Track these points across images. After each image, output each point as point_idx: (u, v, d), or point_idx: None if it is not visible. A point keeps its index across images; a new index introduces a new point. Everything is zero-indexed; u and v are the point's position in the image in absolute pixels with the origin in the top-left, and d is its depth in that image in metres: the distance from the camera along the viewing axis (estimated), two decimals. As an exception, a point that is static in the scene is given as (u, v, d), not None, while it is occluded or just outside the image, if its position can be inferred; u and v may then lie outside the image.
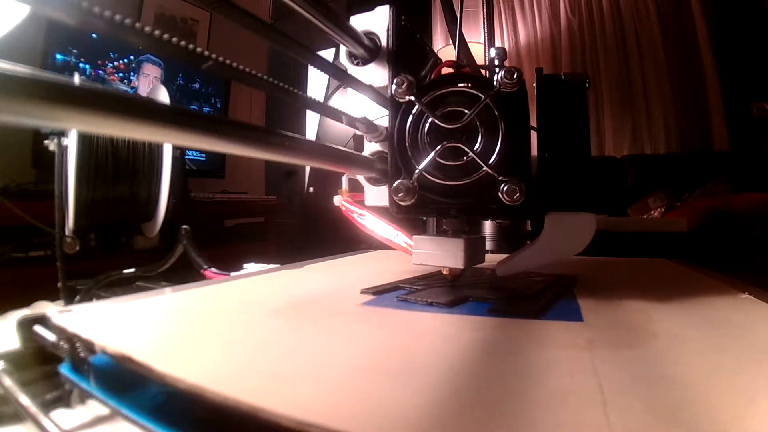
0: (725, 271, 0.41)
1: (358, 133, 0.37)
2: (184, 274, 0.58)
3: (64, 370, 0.23)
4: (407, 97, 0.30)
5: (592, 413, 0.14)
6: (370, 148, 0.38)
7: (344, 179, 0.43)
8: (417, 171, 0.30)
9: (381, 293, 0.33)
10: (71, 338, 0.22)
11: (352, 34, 0.33)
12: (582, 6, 2.09)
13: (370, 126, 0.34)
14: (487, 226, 0.63)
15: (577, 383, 0.17)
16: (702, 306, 0.29)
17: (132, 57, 1.49)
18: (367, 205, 0.40)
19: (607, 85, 2.04)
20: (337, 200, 0.44)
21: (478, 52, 0.59)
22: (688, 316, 0.27)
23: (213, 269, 0.54)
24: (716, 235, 1.20)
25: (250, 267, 0.51)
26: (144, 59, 1.52)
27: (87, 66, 1.34)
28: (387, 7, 0.36)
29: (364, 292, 0.34)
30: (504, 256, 0.36)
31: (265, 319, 0.27)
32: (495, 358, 0.20)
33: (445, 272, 0.35)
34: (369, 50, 0.36)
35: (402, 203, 0.30)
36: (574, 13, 2.11)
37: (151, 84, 1.53)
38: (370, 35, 0.36)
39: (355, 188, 0.43)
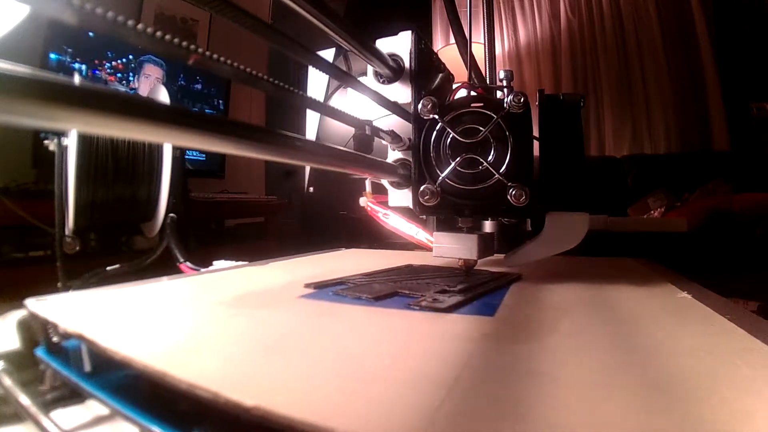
0: (723, 271, 0.41)
1: (384, 141, 0.41)
2: (173, 268, 0.58)
3: (40, 352, 0.25)
4: (431, 116, 0.36)
5: (431, 397, 0.15)
6: (393, 155, 0.43)
7: (367, 182, 0.48)
8: (440, 177, 0.36)
9: (323, 287, 0.35)
10: (44, 323, 0.25)
11: (378, 56, 0.38)
12: (582, 6, 2.09)
13: (395, 137, 0.40)
14: (487, 226, 0.64)
15: (436, 371, 0.18)
16: (626, 305, 0.30)
17: (131, 56, 1.45)
18: (391, 205, 0.44)
19: (607, 85, 2.04)
20: (363, 201, 0.50)
21: (479, 53, 0.60)
22: (604, 315, 0.27)
23: (188, 263, 0.56)
24: (716, 235, 1.21)
25: (219, 264, 0.54)
26: (145, 59, 1.49)
27: (83, 66, 1.30)
28: (409, 32, 0.41)
29: (306, 286, 0.36)
30: (503, 256, 0.40)
31: (208, 309, 0.30)
32: (379, 345, 0.22)
33: (459, 263, 0.40)
34: (393, 70, 0.40)
35: (427, 204, 0.36)
36: (574, 13, 2.11)
37: (153, 85, 1.50)
38: (394, 57, 0.41)
39: (376, 190, 0.48)
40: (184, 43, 0.18)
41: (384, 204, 0.46)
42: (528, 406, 0.14)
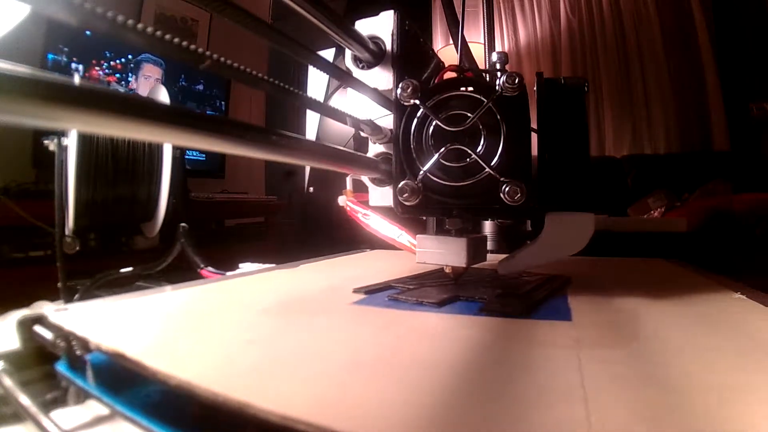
0: (724, 271, 0.41)
1: (363, 135, 0.37)
2: (183, 272, 0.58)
3: (61, 368, 0.23)
4: (412, 101, 0.31)
5: (574, 410, 0.14)
6: (375, 149, 0.38)
7: (348, 180, 0.44)
8: (421, 172, 0.31)
9: (372, 292, 0.34)
10: (67, 336, 0.23)
11: (357, 38, 0.34)
12: (582, 6, 2.09)
13: (374, 128, 0.35)
14: (487, 225, 0.63)
15: (560, 381, 0.17)
16: (692, 306, 0.29)
17: (130, 56, 1.43)
18: (372, 205, 0.40)
19: (607, 85, 2.03)
20: (342, 200, 0.45)
21: (479, 53, 0.59)
22: (677, 316, 0.27)
23: (210, 268, 0.54)
24: (716, 235, 1.20)
25: (245, 267, 0.52)
26: (144, 59, 1.47)
27: (80, 66, 1.27)
28: (392, 12, 0.36)
29: (356, 291, 0.34)
30: (503, 255, 0.37)
31: (256, 317, 0.27)
32: (480, 357, 0.20)
33: (447, 270, 0.35)
34: (374, 54, 0.36)
35: (407, 203, 0.32)
36: (574, 13, 2.11)
37: (153, 86, 1.49)
38: (375, 39, 0.37)
39: (359, 189, 0.43)
40: (184, 44, 0.18)
41: (365, 203, 0.42)
42: (670, 413, 0.14)
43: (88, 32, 1.26)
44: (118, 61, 1.40)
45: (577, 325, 0.25)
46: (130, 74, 1.45)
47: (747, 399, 0.15)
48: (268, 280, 0.42)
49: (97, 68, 1.34)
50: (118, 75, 1.41)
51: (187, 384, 0.16)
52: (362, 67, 0.37)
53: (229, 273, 0.49)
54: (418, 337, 0.23)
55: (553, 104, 0.34)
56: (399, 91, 0.32)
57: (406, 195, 0.31)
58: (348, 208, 0.45)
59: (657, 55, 1.94)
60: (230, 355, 0.20)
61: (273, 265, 0.50)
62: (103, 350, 0.20)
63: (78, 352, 0.22)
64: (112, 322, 0.26)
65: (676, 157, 1.84)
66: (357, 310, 0.29)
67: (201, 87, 1.70)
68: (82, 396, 0.23)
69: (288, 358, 0.20)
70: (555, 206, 0.33)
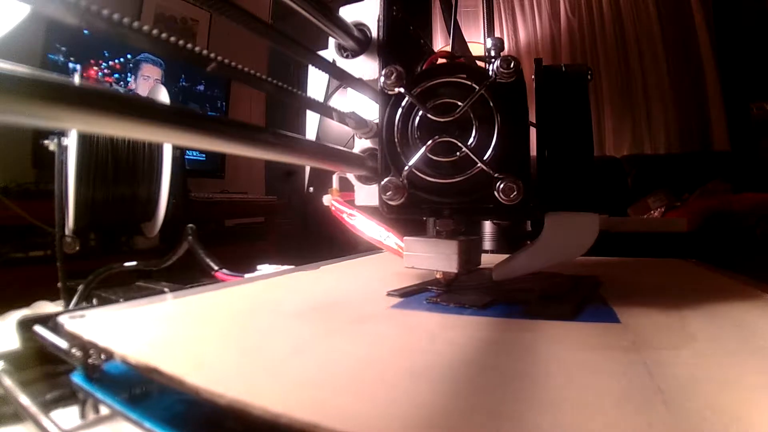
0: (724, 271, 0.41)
1: (347, 128, 0.35)
2: (185, 273, 0.58)
3: (77, 379, 0.21)
4: (396, 89, 0.28)
5: (655, 414, 0.14)
6: (361, 144, 0.36)
7: (335, 178, 0.42)
8: (406, 168, 0.28)
9: (408, 295, 0.32)
10: (85, 346, 0.21)
11: (341, 26, 0.31)
12: (582, 6, 2.09)
13: (359, 121, 0.32)
14: (487, 225, 0.63)
15: (633, 385, 0.16)
16: (730, 308, 0.29)
17: (129, 56, 1.41)
18: (357, 204, 0.38)
19: (607, 84, 2.04)
20: (327, 200, 0.43)
21: (479, 53, 0.59)
22: (720, 318, 0.26)
23: (225, 271, 0.51)
24: (716, 235, 1.20)
25: (264, 268, 0.49)
26: (143, 59, 1.45)
27: (77, 66, 1.24)
28: None
29: (390, 294, 0.32)
30: (503, 256, 0.34)
31: (290, 323, 0.25)
32: (537, 361, 0.19)
33: (438, 276, 0.33)
34: (359, 42, 0.34)
35: (391, 202, 0.29)
36: (574, 13, 2.11)
37: (152, 86, 1.48)
38: (361, 26, 0.34)
39: (346, 187, 0.41)
40: (205, 52, 0.18)
41: (351, 203, 0.39)
42: (749, 414, 0.14)
43: (86, 31, 1.22)
44: (116, 61, 1.38)
45: (627, 328, 0.24)
46: (129, 74, 1.43)
47: None
48: (291, 282, 0.40)
49: (95, 68, 1.32)
50: (116, 75, 1.38)
51: (242, 404, 0.15)
52: (346, 56, 0.35)
53: (247, 275, 0.47)
54: (470, 341, 0.22)
55: (554, 93, 0.30)
56: (382, 78, 0.29)
57: (390, 193, 0.28)
58: (333, 208, 0.42)
59: (657, 55, 1.94)
60: (276, 368, 0.18)
61: (292, 267, 0.48)
62: (133, 364, 0.19)
63: (91, 361, 0.21)
64: (134, 331, 0.24)
65: (676, 157, 1.84)
66: (398, 314, 0.28)
67: (202, 87, 1.70)
68: (98, 406, 0.22)
69: (341, 370, 0.18)
70: (556, 206, 0.30)
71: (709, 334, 0.23)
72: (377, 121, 0.32)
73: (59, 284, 0.58)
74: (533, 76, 0.31)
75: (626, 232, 0.41)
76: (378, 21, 0.33)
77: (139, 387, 0.20)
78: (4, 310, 0.30)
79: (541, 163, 0.30)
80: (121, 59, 1.40)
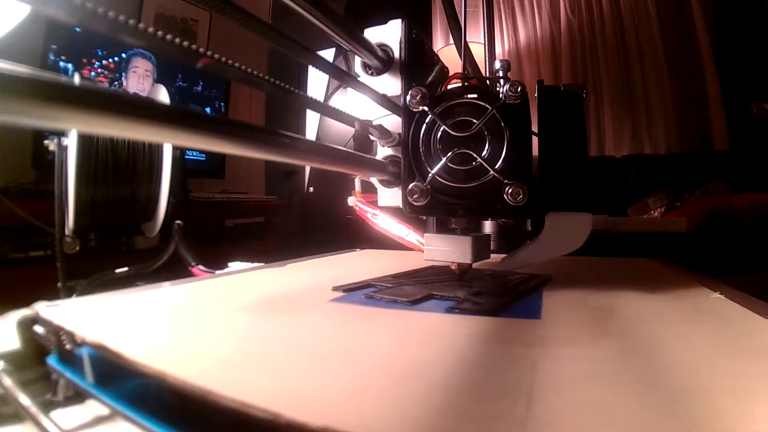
0: (724, 271, 0.41)
1: (372, 138, 0.38)
2: (182, 271, 0.58)
3: (52, 361, 0.24)
4: (421, 108, 0.33)
5: (513, 407, 0.14)
6: (383, 152, 0.40)
7: (357, 181, 0.46)
8: (430, 174, 0.33)
9: (351, 291, 0.34)
10: (57, 331, 0.24)
11: (366, 46, 0.35)
12: (582, 6, 2.09)
13: (383, 132, 0.37)
14: (487, 226, 0.63)
15: (506, 379, 0.17)
16: (665, 305, 0.30)
17: (123, 55, 1.37)
18: (380, 205, 0.42)
19: (607, 84, 2.03)
20: (351, 201, 0.47)
21: (479, 53, 0.59)
22: (648, 317, 0.27)
23: (200, 267, 0.55)
24: (716, 235, 1.20)
25: (234, 265, 0.52)
26: (133, 53, 1.40)
27: (70, 65, 1.21)
28: (399, 21, 0.38)
29: (335, 289, 0.35)
30: (503, 255, 0.38)
31: (235, 313, 0.28)
32: (436, 353, 0.21)
33: (453, 267, 0.37)
34: (382, 61, 0.38)
35: (416, 204, 0.34)
36: (574, 13, 2.11)
37: (142, 80, 1.42)
38: (383, 47, 0.38)
39: (366, 189, 0.45)
40: (185, 43, 0.18)
41: (374, 204, 0.44)
42: (617, 411, 0.14)
43: (78, 29, 1.20)
44: (110, 60, 1.34)
45: (545, 323, 0.25)
46: (122, 74, 1.38)
47: (714, 396, 0.15)
48: (254, 279, 0.43)
49: (88, 68, 1.28)
50: (110, 75, 1.35)
51: (161, 374, 0.17)
52: (371, 74, 0.39)
53: (218, 272, 0.50)
54: (383, 333, 0.24)
55: (553, 110, 0.36)
56: (408, 98, 0.34)
57: (416, 196, 0.33)
58: (357, 208, 0.46)
59: (657, 55, 1.94)
60: (203, 348, 0.21)
61: (261, 264, 0.50)
62: (88, 342, 0.22)
63: (68, 347, 0.23)
64: (99, 317, 0.27)
65: (676, 157, 1.84)
66: (332, 307, 0.30)
67: (200, 88, 1.70)
68: (71, 389, 0.24)
69: (255, 351, 0.21)
70: (555, 206, 0.35)
71: (626, 332, 0.23)
72: (396, 130, 0.37)
73: (59, 284, 0.58)
74: (536, 94, 0.36)
75: (626, 232, 0.42)
76: (400, 43, 0.38)
77: (108, 370, 0.21)
78: (4, 310, 0.30)
79: (543, 169, 0.35)
80: (116, 58, 1.36)
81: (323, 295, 0.33)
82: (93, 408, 0.24)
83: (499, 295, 0.32)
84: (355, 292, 0.34)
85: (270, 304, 0.31)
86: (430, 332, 0.24)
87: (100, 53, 1.32)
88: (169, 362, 0.18)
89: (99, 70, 1.32)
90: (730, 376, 0.17)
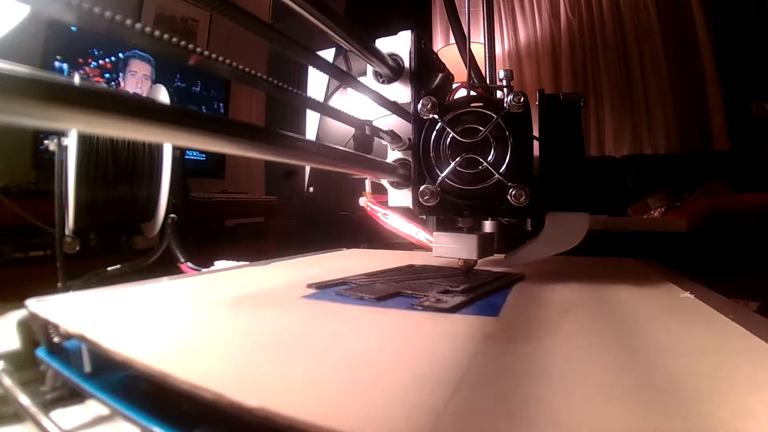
0: (724, 271, 0.41)
1: (384, 141, 0.40)
2: (172, 269, 0.58)
3: (40, 353, 0.25)
4: (431, 116, 0.36)
5: (435, 397, 0.15)
6: (393, 155, 0.43)
7: (367, 182, 0.48)
8: (440, 177, 0.36)
9: (325, 288, 0.35)
10: (44, 323, 0.25)
11: (377, 56, 0.37)
12: (582, 6, 2.09)
13: (394, 137, 0.40)
14: (487, 225, 0.64)
15: (440, 371, 0.18)
16: (629, 305, 0.30)
17: (121, 55, 1.33)
18: (390, 205, 0.44)
19: (607, 85, 2.03)
20: (363, 201, 0.49)
21: (479, 53, 0.60)
22: (607, 315, 0.27)
23: (189, 264, 0.56)
24: (716, 235, 1.20)
25: (220, 264, 0.54)
26: (131, 55, 1.37)
27: (65, 64, 1.18)
28: (409, 32, 0.40)
29: (309, 286, 0.36)
30: (503, 255, 0.40)
31: (208, 309, 0.30)
32: (382, 346, 0.22)
33: (459, 263, 0.39)
34: (393, 70, 0.40)
35: (427, 204, 0.36)
36: (574, 13, 2.11)
37: (140, 83, 1.40)
38: (394, 57, 0.41)
39: (374, 190, 0.48)
40: (183, 43, 0.18)
41: (384, 204, 0.46)
42: (533, 406, 0.14)
43: (73, 27, 1.16)
44: (107, 60, 1.31)
45: (499, 321, 0.26)
46: (120, 74, 1.35)
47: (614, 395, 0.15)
48: (237, 277, 0.44)
49: (83, 68, 1.24)
50: (107, 75, 1.31)
51: (128, 359, 0.19)
52: (383, 82, 0.41)
53: (204, 270, 0.51)
54: (342, 327, 0.25)
55: (553, 117, 0.39)
56: (419, 106, 0.36)
57: (426, 197, 0.36)
58: (368, 209, 0.49)
59: (657, 55, 1.94)
60: (170, 338, 0.23)
61: (246, 262, 0.51)
62: (70, 334, 0.23)
63: (56, 339, 0.25)
64: (82, 311, 0.28)
65: (676, 157, 1.84)
66: (302, 303, 0.31)
67: (198, 89, 1.69)
68: (59, 380, 0.24)
69: (216, 341, 0.23)
70: (554, 206, 0.38)
71: (577, 331, 0.24)
72: (408, 136, 0.40)
73: (59, 284, 0.58)
74: (537, 102, 0.38)
75: (626, 232, 0.42)
76: (410, 54, 0.41)
77: (95, 362, 0.23)
78: (4, 310, 0.30)
79: (543, 172, 0.38)
80: (112, 58, 1.33)
81: (297, 292, 0.34)
82: (93, 408, 0.24)
83: (466, 293, 0.33)
84: (327, 289, 0.35)
85: (245, 300, 0.32)
86: (387, 328, 0.25)
87: (96, 53, 1.29)
88: (139, 350, 0.20)
89: (95, 70, 1.29)
90: (686, 374, 0.17)
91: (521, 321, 0.26)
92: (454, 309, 0.28)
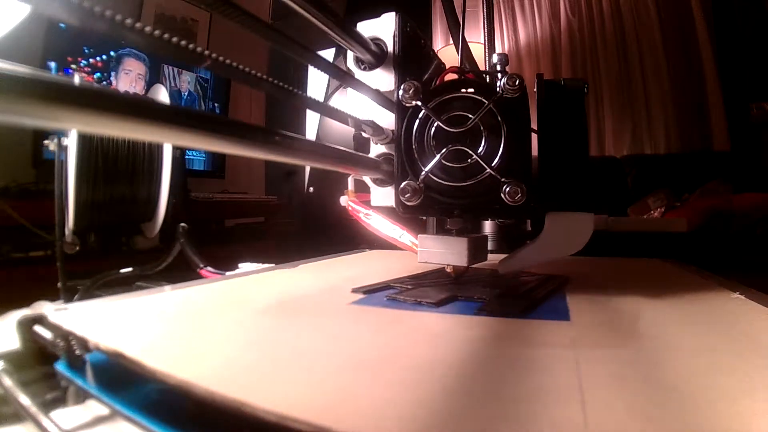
0: (724, 271, 0.41)
1: (365, 135, 0.37)
2: (183, 272, 0.58)
3: (61, 367, 0.23)
4: (414, 102, 0.32)
5: (571, 411, 0.14)
6: (376, 150, 0.39)
7: (350, 180, 0.44)
8: (423, 173, 0.31)
9: (371, 292, 0.34)
10: (67, 336, 0.23)
11: (359, 40, 0.34)
12: (582, 6, 2.09)
13: (376, 129, 0.35)
14: (487, 225, 0.63)
15: (557, 381, 0.17)
16: (690, 306, 0.29)
17: (113, 53, 1.28)
18: (373, 205, 0.40)
19: (607, 85, 2.03)
20: (344, 200, 0.45)
21: (479, 53, 0.59)
22: (676, 316, 0.27)
23: (209, 268, 0.54)
24: (716, 235, 1.20)
25: (244, 266, 0.51)
26: (125, 53, 1.33)
27: (53, 63, 1.14)
28: (393, 14, 0.36)
29: (354, 291, 0.34)
30: (503, 255, 0.37)
31: (255, 317, 0.27)
32: (477, 357, 0.20)
33: (448, 270, 0.36)
34: (375, 56, 0.36)
35: (409, 203, 0.32)
36: (574, 13, 2.11)
37: (134, 82, 1.36)
38: (377, 41, 0.37)
39: (360, 189, 0.44)
40: (183, 43, 0.18)
41: (367, 203, 0.43)
42: (669, 413, 0.14)
43: (62, 25, 1.09)
44: (98, 59, 1.26)
45: (575, 325, 0.25)
46: (112, 73, 1.30)
47: (744, 399, 0.15)
48: (267, 280, 0.42)
49: (73, 66, 1.19)
50: (98, 74, 1.26)
51: (186, 384, 0.16)
52: (364, 69, 0.37)
53: (228, 273, 0.49)
54: (417, 337, 0.23)
55: (554, 105, 0.34)
56: (401, 92, 0.32)
57: (408, 195, 0.32)
58: (350, 208, 0.45)
59: (657, 55, 1.94)
60: (228, 355, 0.20)
61: (272, 265, 0.50)
62: (102, 350, 0.21)
63: (77, 352, 0.22)
64: (112, 321, 0.26)
65: (676, 157, 1.84)
66: (356, 310, 0.29)
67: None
68: (82, 396, 0.23)
69: (287, 359, 0.20)
70: (555, 206, 0.33)
71: (653, 333, 0.23)
72: (392, 128, 0.35)
73: (59, 284, 0.58)
74: (535, 89, 0.33)
75: (626, 232, 0.42)
76: (393, 37, 0.36)
77: (119, 376, 0.20)
78: (4, 310, 0.30)
79: (542, 167, 0.33)
80: (104, 56, 1.27)
81: (342, 297, 0.32)
82: (93, 408, 0.24)
83: (523, 296, 0.31)
84: (375, 294, 0.33)
85: (290, 307, 0.30)
86: (462, 336, 0.23)
87: (87, 51, 1.24)
88: (194, 371, 0.17)
89: (86, 69, 1.24)
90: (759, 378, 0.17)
91: (598, 325, 0.25)
92: (522, 314, 0.27)
